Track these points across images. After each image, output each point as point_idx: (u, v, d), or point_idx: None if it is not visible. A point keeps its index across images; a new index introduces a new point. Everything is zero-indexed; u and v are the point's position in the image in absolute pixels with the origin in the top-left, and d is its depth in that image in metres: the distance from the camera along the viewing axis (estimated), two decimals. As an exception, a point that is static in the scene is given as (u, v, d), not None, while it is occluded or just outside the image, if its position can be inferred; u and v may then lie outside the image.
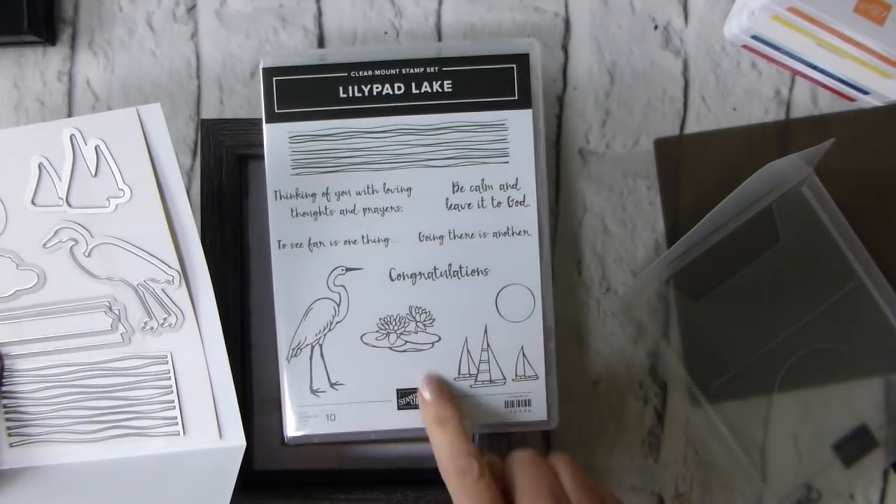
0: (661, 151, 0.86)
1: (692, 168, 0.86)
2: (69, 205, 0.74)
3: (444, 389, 0.78)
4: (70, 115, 0.87)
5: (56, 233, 0.75)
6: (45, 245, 0.75)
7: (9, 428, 0.79)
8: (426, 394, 0.77)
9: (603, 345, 0.87)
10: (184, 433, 0.79)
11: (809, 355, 0.85)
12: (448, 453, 0.71)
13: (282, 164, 0.78)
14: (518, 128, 0.79)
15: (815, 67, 0.84)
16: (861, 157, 0.85)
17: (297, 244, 0.78)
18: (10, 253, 0.75)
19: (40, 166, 0.73)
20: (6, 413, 0.79)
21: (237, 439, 0.79)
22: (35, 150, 0.73)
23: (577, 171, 0.87)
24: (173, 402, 0.78)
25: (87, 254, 0.75)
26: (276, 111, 0.78)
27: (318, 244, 0.78)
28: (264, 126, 0.78)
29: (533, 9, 0.87)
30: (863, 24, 0.77)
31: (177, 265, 0.75)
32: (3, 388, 0.78)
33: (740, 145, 0.86)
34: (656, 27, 0.87)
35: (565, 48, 0.87)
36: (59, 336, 0.77)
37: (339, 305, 0.78)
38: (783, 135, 0.86)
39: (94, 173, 0.74)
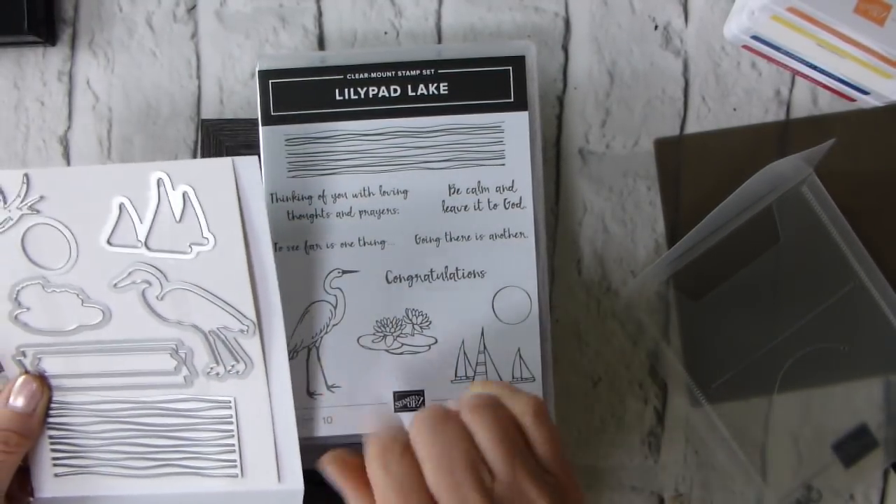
0: (661, 151, 0.86)
1: (692, 168, 0.85)
2: (147, 248, 0.73)
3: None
4: (70, 115, 0.87)
5: (129, 274, 0.74)
6: (115, 284, 0.74)
7: (55, 458, 0.78)
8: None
9: (603, 345, 0.87)
10: (242, 475, 0.78)
11: (809, 355, 0.84)
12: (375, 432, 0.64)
13: (278, 166, 0.78)
14: (514, 130, 0.79)
15: (815, 67, 0.84)
16: (861, 157, 0.85)
17: (293, 247, 0.79)
18: (77, 289, 0.74)
19: (121, 206, 0.72)
20: (53, 443, 0.78)
21: (296, 484, 0.78)
22: (119, 189, 0.72)
23: (577, 171, 0.87)
24: (233, 445, 0.78)
25: (159, 297, 0.74)
26: (273, 114, 0.78)
27: (315, 246, 0.79)
28: (260, 129, 0.78)
29: (533, 9, 0.87)
30: (863, 24, 0.77)
31: (253, 316, 0.74)
32: (52, 420, 0.77)
33: (740, 145, 0.85)
34: (656, 27, 0.87)
35: (565, 48, 0.87)
36: (117, 373, 0.77)
37: (335, 308, 0.79)
38: (783, 135, 0.85)
39: (178, 219, 0.72)
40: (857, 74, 0.82)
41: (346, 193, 0.79)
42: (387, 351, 0.79)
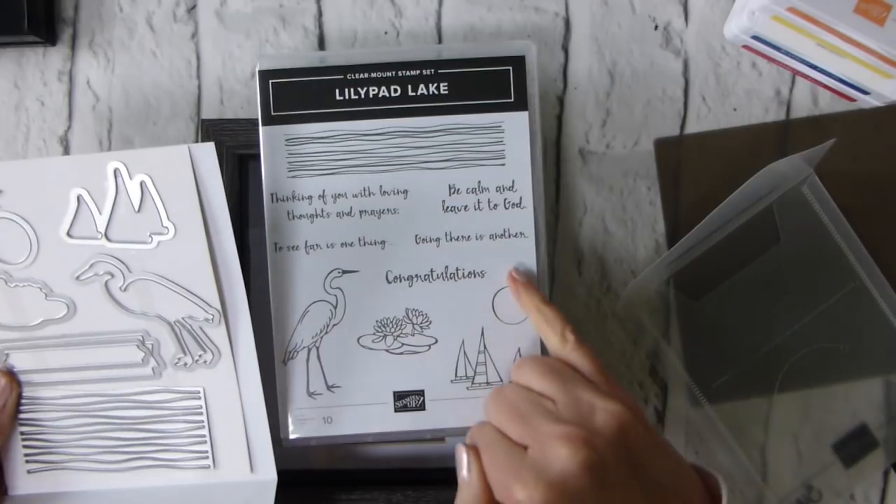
0: (661, 151, 0.86)
1: (692, 168, 0.85)
2: (108, 239, 0.73)
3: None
4: (70, 115, 0.87)
5: (91, 266, 0.74)
6: (78, 277, 0.74)
7: (27, 455, 0.78)
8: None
9: (603, 345, 0.87)
10: (214, 466, 0.79)
11: (809, 355, 0.84)
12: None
13: (278, 166, 0.78)
14: (514, 130, 0.79)
15: (815, 67, 0.84)
16: (861, 157, 0.85)
17: (293, 247, 0.79)
18: (40, 283, 0.74)
19: (79, 198, 0.72)
20: (25, 440, 0.78)
21: (269, 473, 0.79)
22: (76, 181, 0.72)
23: (577, 171, 0.87)
24: (204, 436, 0.78)
25: (123, 288, 0.74)
26: (273, 114, 0.78)
27: (315, 246, 0.79)
28: (260, 129, 0.78)
29: (533, 9, 0.87)
30: (863, 24, 0.77)
31: (217, 304, 0.75)
32: (23, 416, 0.77)
33: (740, 145, 0.85)
34: (656, 27, 0.87)
35: (565, 48, 0.87)
36: (85, 367, 0.76)
37: (335, 308, 0.79)
38: (783, 135, 0.85)
39: (137, 209, 0.73)
40: (857, 74, 0.82)
41: (346, 193, 0.79)
42: (387, 351, 0.79)
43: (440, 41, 0.87)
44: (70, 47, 0.87)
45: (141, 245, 0.73)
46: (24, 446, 0.78)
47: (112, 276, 0.74)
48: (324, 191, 0.79)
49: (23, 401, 0.77)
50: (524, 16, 0.87)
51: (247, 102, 0.87)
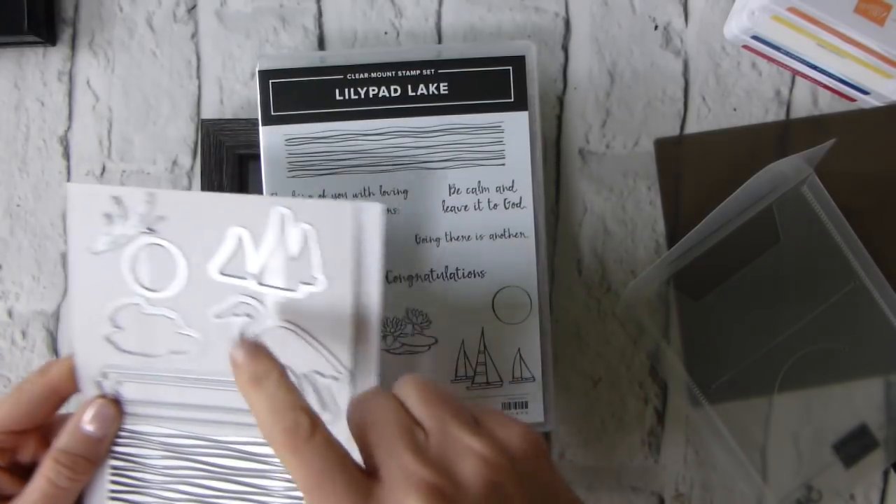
0: (661, 151, 0.86)
1: (692, 168, 0.85)
2: (257, 281, 0.71)
3: (260, 346, 0.66)
4: (70, 115, 0.87)
5: (234, 305, 0.71)
6: (217, 315, 0.72)
7: (112, 491, 0.74)
8: (238, 355, 0.65)
9: (603, 345, 0.87)
10: None
11: (809, 355, 0.85)
12: (269, 414, 0.61)
13: (278, 166, 0.78)
14: (514, 130, 0.79)
15: (815, 67, 0.84)
16: (861, 157, 0.85)
17: (293, 247, 0.79)
18: (177, 314, 0.72)
19: (239, 237, 0.70)
20: (114, 474, 0.74)
21: None
22: (237, 219, 0.70)
23: (577, 171, 0.87)
24: (302, 499, 0.73)
25: (258, 334, 0.71)
26: (273, 114, 0.78)
27: (315, 246, 0.79)
28: (260, 129, 0.78)
29: (533, 9, 0.87)
30: (863, 24, 0.77)
31: (350, 364, 0.71)
32: (118, 449, 0.74)
33: (740, 145, 0.85)
34: (656, 27, 0.87)
35: (565, 48, 0.87)
36: (195, 406, 0.73)
37: (335, 308, 0.79)
38: (783, 135, 0.85)
39: (293, 256, 0.70)
40: (857, 74, 0.82)
41: (346, 193, 0.79)
42: (387, 351, 0.79)
43: (440, 41, 0.87)
44: (70, 47, 0.87)
45: (288, 293, 0.71)
46: (111, 481, 0.74)
47: (252, 318, 0.71)
48: (324, 191, 0.79)
49: (121, 433, 0.74)
50: (524, 16, 0.87)
51: (247, 102, 0.87)
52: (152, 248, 0.71)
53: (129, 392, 0.73)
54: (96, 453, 0.72)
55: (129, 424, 0.74)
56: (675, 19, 0.87)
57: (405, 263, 0.79)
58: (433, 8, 0.87)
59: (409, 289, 0.79)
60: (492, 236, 0.79)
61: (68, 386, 0.72)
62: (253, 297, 0.71)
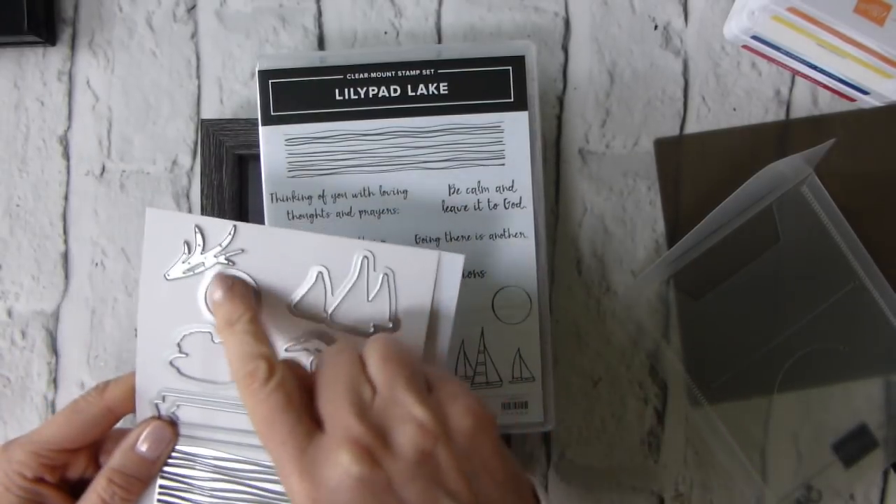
0: (661, 151, 0.86)
1: (692, 168, 0.85)
2: (331, 319, 0.71)
3: (239, 286, 0.69)
4: (70, 115, 0.87)
5: (305, 341, 0.72)
6: (286, 349, 0.72)
7: None
8: (217, 293, 0.69)
9: (603, 345, 0.87)
10: None
11: (809, 355, 0.84)
12: (236, 358, 0.65)
13: (278, 166, 0.78)
14: (514, 130, 0.79)
15: (815, 67, 0.84)
16: (861, 157, 0.85)
17: (293, 247, 0.79)
18: None
19: (319, 275, 0.71)
20: (161, 494, 0.74)
21: None
22: (320, 259, 0.71)
23: (577, 171, 0.87)
24: None
25: None
26: (273, 114, 0.78)
27: (315, 247, 0.79)
28: (260, 129, 0.78)
29: (533, 9, 0.87)
30: (863, 24, 0.77)
31: None
32: (169, 469, 0.74)
33: (740, 145, 0.85)
34: (656, 27, 0.87)
35: (565, 48, 0.87)
36: (248, 431, 0.71)
37: (335, 308, 0.79)
38: (783, 135, 0.85)
39: (369, 298, 0.71)
40: (857, 74, 0.82)
41: (346, 193, 0.79)
42: (387, 351, 0.79)
43: (440, 41, 0.87)
44: (70, 47, 0.87)
45: (360, 334, 0.72)
46: (160, 500, 0.75)
47: (320, 353, 0.72)
48: (324, 191, 0.79)
49: (174, 454, 0.74)
50: (524, 16, 0.87)
51: (247, 102, 0.87)
52: None
53: (185, 415, 0.74)
54: (149, 474, 0.73)
55: (183, 445, 0.74)
56: (674, 19, 0.87)
57: (405, 263, 0.79)
58: (433, 8, 0.87)
59: (409, 289, 0.79)
60: (492, 236, 0.79)
61: (125, 406, 0.73)
62: (326, 335, 0.72)
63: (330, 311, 0.71)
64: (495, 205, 0.79)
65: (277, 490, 0.74)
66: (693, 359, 0.85)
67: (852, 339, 0.85)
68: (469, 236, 0.79)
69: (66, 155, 0.87)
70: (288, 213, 0.78)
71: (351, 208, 0.79)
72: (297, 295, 0.71)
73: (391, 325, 0.71)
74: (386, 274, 0.70)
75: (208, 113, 0.87)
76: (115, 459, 0.71)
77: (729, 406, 0.85)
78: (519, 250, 0.80)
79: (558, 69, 0.87)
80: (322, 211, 0.78)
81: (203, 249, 0.70)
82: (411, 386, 0.61)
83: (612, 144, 0.87)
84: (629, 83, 0.87)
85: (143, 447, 0.72)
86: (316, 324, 0.72)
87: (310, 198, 0.78)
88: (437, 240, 0.79)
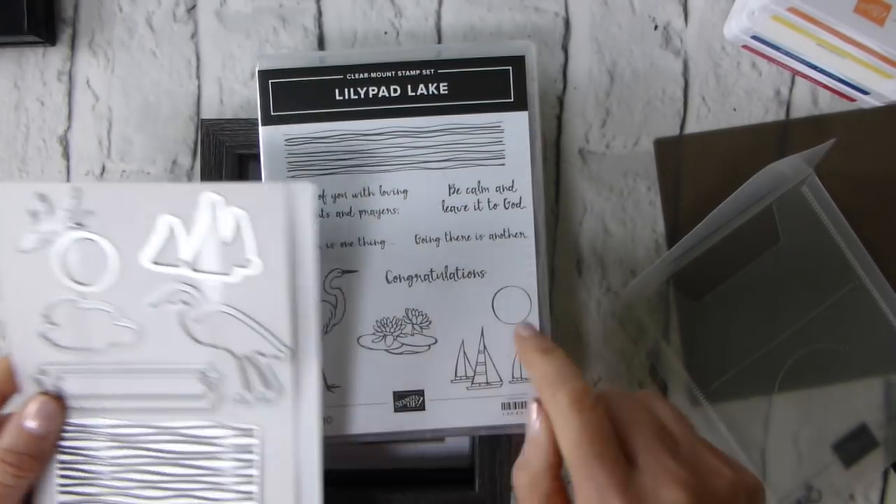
0: (661, 151, 0.86)
1: (692, 168, 0.85)
2: (191, 268, 0.71)
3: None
4: (70, 115, 0.87)
5: (169, 293, 0.72)
6: (153, 304, 0.72)
7: (62, 485, 0.74)
8: (524, 331, 0.75)
9: (603, 345, 0.87)
10: None
11: (809, 355, 0.85)
12: (559, 378, 0.67)
13: (278, 166, 0.78)
14: (514, 130, 0.79)
15: (815, 67, 0.84)
16: (861, 157, 0.85)
17: (293, 247, 0.79)
18: (112, 306, 0.72)
19: (170, 226, 0.70)
20: (62, 469, 0.74)
21: None
22: (168, 208, 0.70)
23: (577, 171, 0.87)
24: (252, 476, 0.75)
25: (196, 319, 0.72)
26: (272, 114, 0.78)
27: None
28: (260, 129, 0.78)
29: (533, 9, 0.87)
30: (863, 24, 0.77)
31: (290, 342, 0.72)
32: (65, 444, 0.74)
33: (740, 145, 0.85)
34: (656, 27, 0.87)
35: (565, 48, 0.87)
36: (141, 396, 0.73)
37: (335, 308, 0.79)
38: (783, 135, 0.85)
39: (226, 241, 0.71)
40: (857, 74, 0.82)
41: (345, 193, 0.79)
42: (387, 351, 0.79)
43: (440, 41, 0.87)
44: (70, 47, 0.87)
45: (223, 277, 0.72)
46: (60, 476, 0.74)
47: (188, 305, 0.72)
48: (323, 191, 0.78)
49: (67, 427, 0.74)
50: (524, 16, 0.87)
51: (247, 102, 0.87)
52: (82, 242, 0.71)
53: (71, 387, 0.73)
54: (41, 450, 0.72)
55: (75, 418, 0.74)
56: (674, 19, 0.87)
57: (405, 263, 0.79)
58: (433, 8, 0.87)
59: (409, 289, 0.79)
60: (492, 236, 0.79)
61: (8, 386, 0.73)
62: (188, 285, 0.72)
63: (189, 259, 0.71)
64: (495, 205, 0.79)
65: (176, 450, 0.75)
66: (693, 359, 0.85)
67: (852, 339, 0.85)
68: (469, 236, 0.79)
69: (66, 155, 0.87)
70: (288, 213, 0.78)
71: (351, 208, 0.79)
72: (154, 248, 0.71)
73: (251, 265, 0.71)
74: (237, 213, 0.70)
75: (208, 113, 0.87)
76: (5, 439, 0.70)
77: (729, 406, 0.85)
78: (519, 250, 0.79)
79: (558, 69, 0.87)
80: (322, 211, 0.78)
81: (51, 216, 0.70)
82: (708, 445, 0.66)
83: (612, 144, 0.87)
84: (629, 83, 0.87)
85: (31, 424, 0.71)
86: (178, 274, 0.72)
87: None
88: (437, 240, 0.79)
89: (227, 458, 0.75)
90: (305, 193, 0.70)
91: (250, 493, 0.75)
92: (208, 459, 0.75)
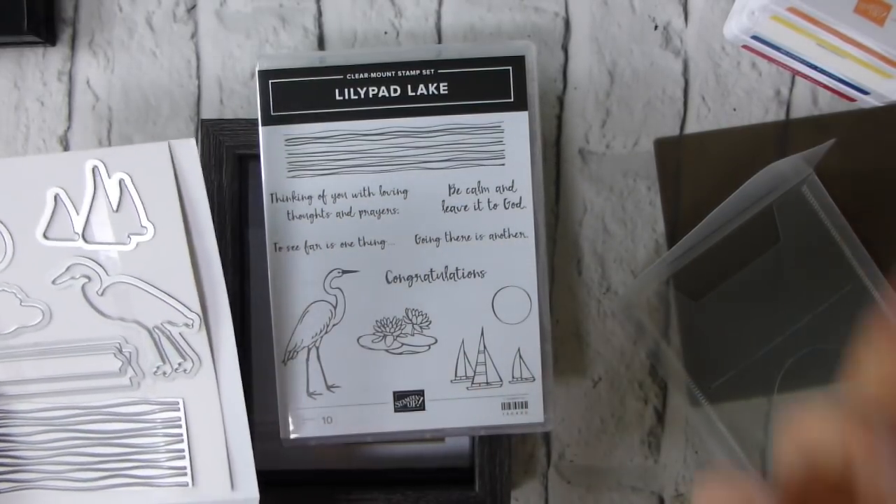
0: (661, 151, 0.86)
1: (692, 168, 0.85)
2: (85, 240, 0.71)
3: None
4: (70, 115, 0.87)
5: (68, 269, 0.71)
6: (54, 281, 0.71)
7: None
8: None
9: (603, 345, 0.87)
10: (193, 484, 0.75)
11: (809, 355, 0.84)
12: None
13: (278, 166, 0.78)
14: (514, 130, 0.79)
15: (815, 67, 0.84)
16: (861, 157, 0.85)
17: (293, 247, 0.79)
18: (15, 287, 0.71)
19: (56, 198, 0.70)
20: None
21: (250, 492, 0.76)
22: (53, 180, 0.70)
23: (577, 171, 0.87)
24: (183, 450, 0.75)
25: (100, 293, 0.72)
26: (273, 114, 0.78)
27: (315, 246, 0.79)
28: (260, 129, 0.78)
29: (533, 9, 0.87)
30: (863, 24, 0.77)
31: (198, 308, 0.72)
32: None
33: (740, 145, 0.85)
34: (656, 27, 0.87)
35: (565, 48, 0.87)
36: (61, 377, 0.73)
37: (335, 308, 0.79)
38: (783, 135, 0.85)
39: (115, 208, 0.70)
40: (857, 74, 0.82)
41: (346, 193, 0.79)
42: (387, 351, 0.79)
43: (440, 41, 0.87)
44: (70, 47, 0.87)
45: (119, 246, 0.71)
46: None
47: (89, 279, 0.71)
48: (323, 191, 0.79)
49: None
50: (524, 16, 0.87)
51: (247, 102, 0.87)
52: None
53: None
54: None
55: None
56: (674, 19, 0.87)
57: (405, 263, 0.79)
58: (433, 8, 0.87)
59: (409, 289, 0.79)
60: (492, 236, 0.79)
61: None
62: (85, 257, 0.71)
63: (81, 231, 0.71)
64: (495, 205, 0.79)
65: (105, 430, 0.74)
66: (693, 359, 0.85)
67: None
68: (469, 236, 0.79)
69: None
70: (288, 214, 0.78)
71: (351, 208, 0.79)
72: (44, 222, 0.70)
73: (145, 231, 0.71)
74: (122, 179, 0.70)
75: (208, 113, 0.87)
76: None
77: (729, 406, 0.85)
78: (519, 250, 0.79)
79: (558, 69, 0.87)
80: (322, 211, 0.78)
81: None
82: None
83: (612, 144, 0.87)
84: (629, 83, 0.87)
85: None
86: (74, 247, 0.71)
87: (310, 198, 0.78)
88: (438, 240, 0.79)
89: (157, 435, 0.75)
90: (188, 150, 0.70)
91: (182, 468, 0.75)
92: (138, 437, 0.75)
